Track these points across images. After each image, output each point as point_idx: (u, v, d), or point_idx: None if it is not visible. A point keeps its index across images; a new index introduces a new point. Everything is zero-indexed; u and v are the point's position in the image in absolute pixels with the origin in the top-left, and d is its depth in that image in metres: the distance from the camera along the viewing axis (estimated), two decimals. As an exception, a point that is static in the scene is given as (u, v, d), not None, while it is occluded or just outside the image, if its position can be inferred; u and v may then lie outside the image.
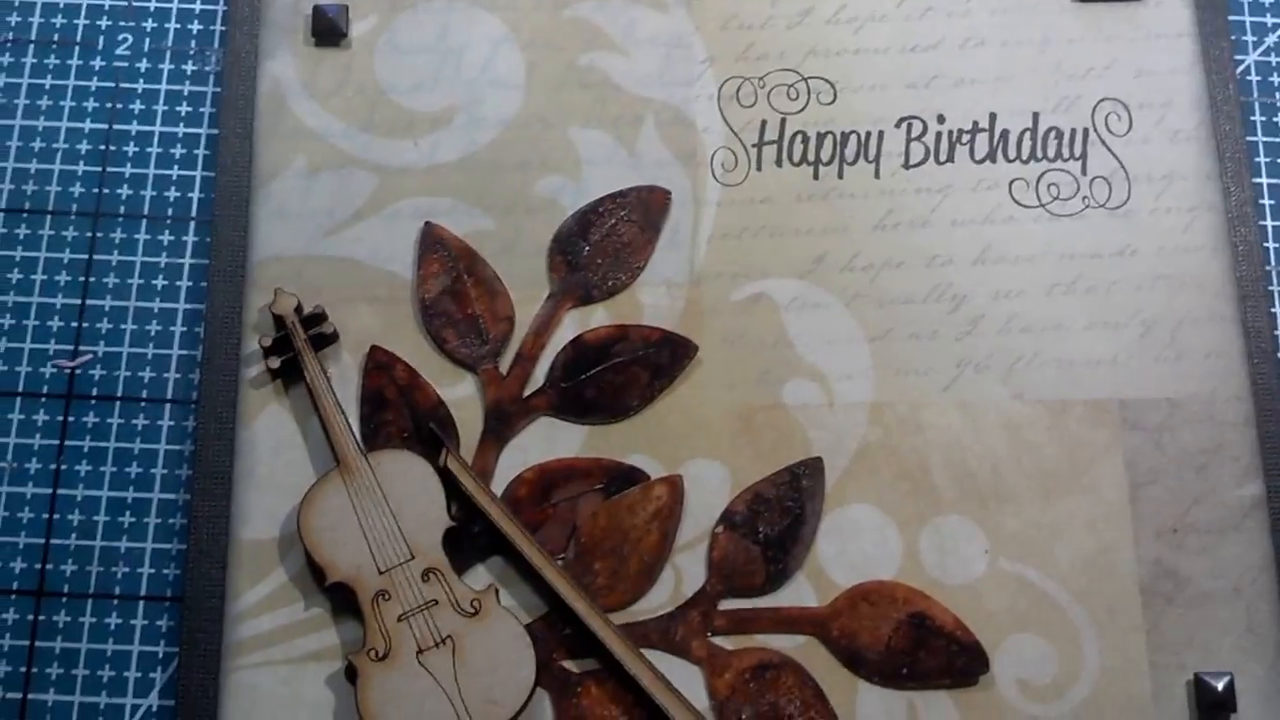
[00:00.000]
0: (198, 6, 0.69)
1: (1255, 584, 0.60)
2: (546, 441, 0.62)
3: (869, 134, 0.66)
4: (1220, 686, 0.59)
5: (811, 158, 0.65)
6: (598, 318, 0.63)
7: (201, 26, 0.69)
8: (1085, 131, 0.66)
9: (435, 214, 0.65)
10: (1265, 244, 0.65)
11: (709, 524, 0.61)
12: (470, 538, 0.61)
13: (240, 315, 0.63)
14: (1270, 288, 0.65)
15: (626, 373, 0.63)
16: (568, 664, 0.59)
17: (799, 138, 0.66)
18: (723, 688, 0.59)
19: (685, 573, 0.61)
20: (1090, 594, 0.60)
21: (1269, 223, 0.66)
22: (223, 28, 0.69)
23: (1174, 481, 0.61)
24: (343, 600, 0.60)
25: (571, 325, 0.63)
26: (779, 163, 0.65)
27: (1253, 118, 0.68)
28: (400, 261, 0.64)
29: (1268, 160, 0.67)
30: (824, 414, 0.62)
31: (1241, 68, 0.68)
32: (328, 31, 0.67)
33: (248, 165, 0.65)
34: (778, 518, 0.61)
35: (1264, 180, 0.67)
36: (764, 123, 0.66)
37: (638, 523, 0.61)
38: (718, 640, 0.60)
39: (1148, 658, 0.59)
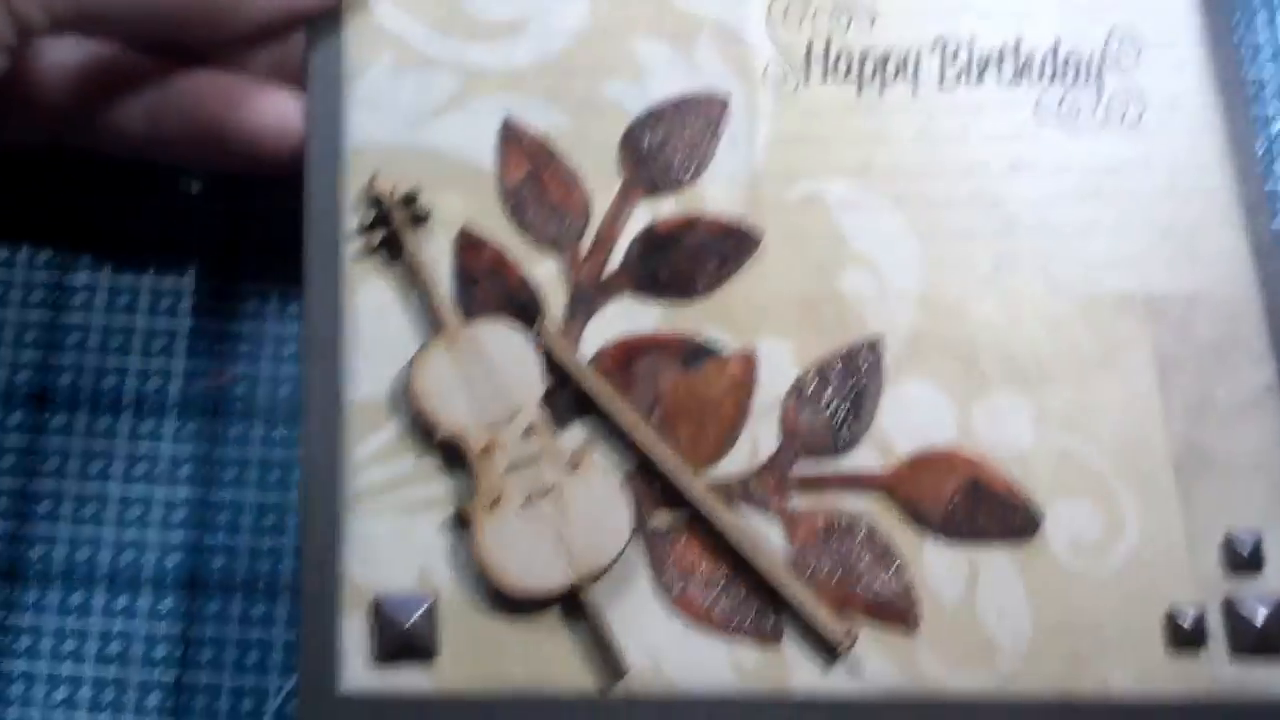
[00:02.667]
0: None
1: (1275, 456, 0.65)
2: (626, 319, 0.65)
3: (906, 56, 0.71)
4: (1249, 546, 0.64)
5: (855, 75, 0.70)
6: (667, 208, 0.67)
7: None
8: (1100, 57, 0.71)
9: (514, 110, 0.68)
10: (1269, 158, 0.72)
11: (780, 394, 0.65)
12: (563, 401, 0.64)
13: (338, 196, 0.66)
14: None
15: (696, 258, 0.66)
16: (658, 516, 0.63)
17: (843, 56, 0.71)
18: (799, 541, 0.63)
19: (760, 439, 0.64)
20: (1128, 466, 0.65)
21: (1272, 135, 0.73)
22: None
23: (1197, 368, 0.66)
24: (451, 455, 0.62)
25: (643, 213, 0.67)
26: (825, 79, 0.70)
27: (1249, 57, 0.75)
28: (482, 153, 0.67)
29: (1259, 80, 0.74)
30: (878, 301, 0.67)
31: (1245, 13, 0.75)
32: (406, -58, 0.70)
33: (337, 65, 0.68)
34: (843, 390, 0.65)
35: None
36: (810, 43, 0.71)
37: (715, 392, 0.65)
38: (793, 499, 0.63)
39: (1182, 522, 0.64)
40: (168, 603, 0.68)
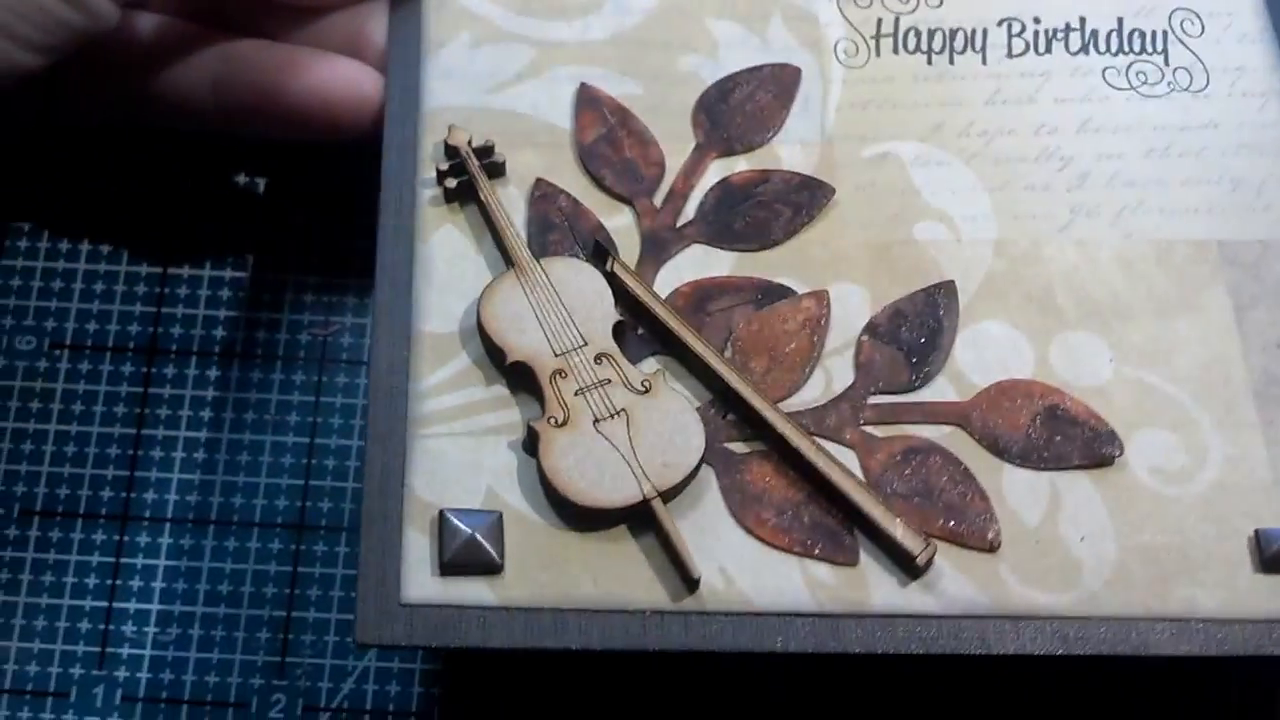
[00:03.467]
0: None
1: (1355, 388, 0.65)
2: (699, 265, 0.66)
3: (974, 31, 0.73)
4: (1333, 470, 0.63)
5: (925, 48, 0.72)
6: (740, 166, 0.69)
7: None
8: (1165, 33, 0.73)
9: (589, 80, 0.70)
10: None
11: (854, 335, 0.65)
12: (636, 337, 0.65)
13: (416, 150, 0.68)
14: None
15: (770, 209, 0.68)
16: (732, 445, 0.63)
17: (911, 32, 0.72)
18: (875, 466, 0.62)
19: (834, 374, 0.65)
20: (1208, 396, 0.65)
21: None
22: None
23: (1273, 306, 0.67)
24: (521, 379, 0.63)
25: (717, 172, 0.69)
26: (895, 51, 0.72)
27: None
28: (559, 114, 0.69)
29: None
30: (952, 248, 0.67)
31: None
32: (484, -73, 0.73)
33: (417, 39, 0.71)
34: (918, 328, 0.65)
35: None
36: (879, 20, 0.73)
37: (789, 329, 0.65)
38: (868, 429, 0.63)
39: (1265, 448, 0.64)
40: (276, 544, 0.71)
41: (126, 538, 0.71)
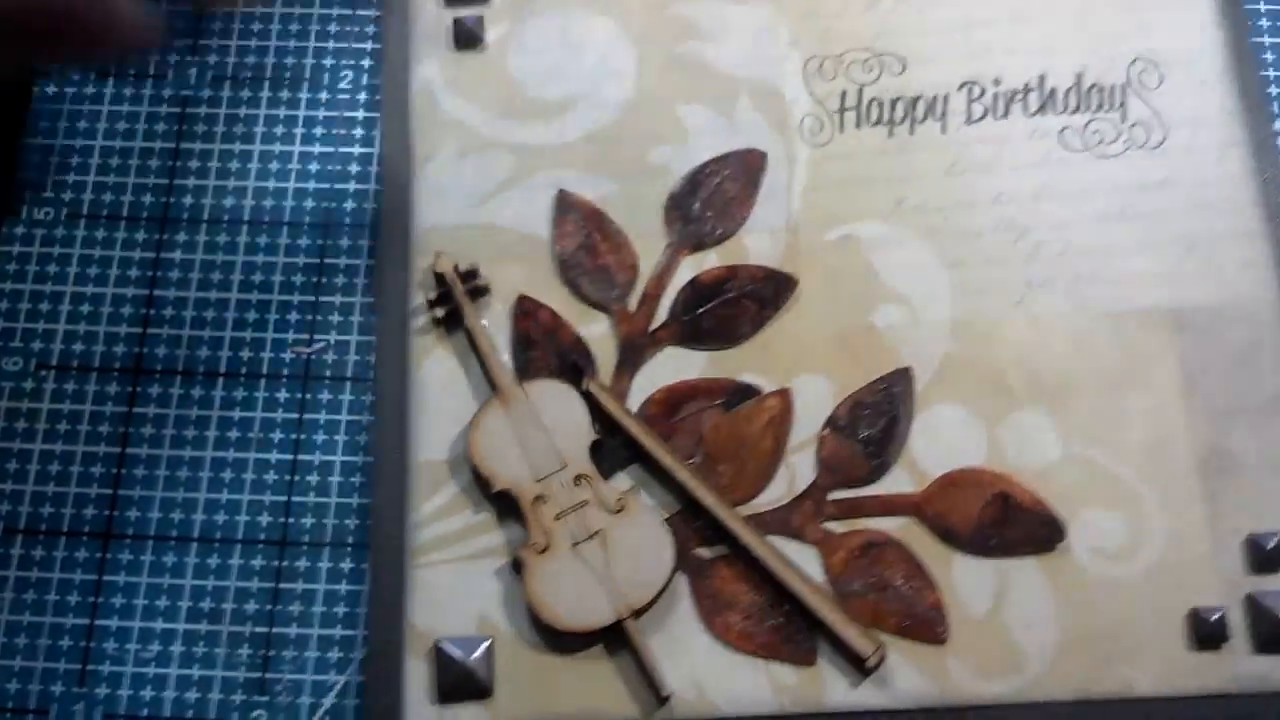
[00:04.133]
0: (354, 28, 0.81)
1: (1297, 457, 0.68)
2: (672, 368, 0.72)
3: (935, 98, 0.76)
4: (1270, 544, 0.67)
5: (886, 120, 0.75)
6: (710, 261, 0.73)
7: (358, 45, 0.81)
8: (1123, 86, 0.75)
9: (566, 184, 0.75)
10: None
11: (816, 429, 0.70)
12: (612, 449, 0.70)
13: (408, 277, 0.73)
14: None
15: (738, 306, 0.72)
16: (700, 551, 0.69)
17: (874, 104, 0.76)
18: (836, 565, 0.68)
19: (798, 470, 0.70)
20: (1153, 472, 0.69)
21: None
22: (374, 46, 0.80)
23: (1223, 374, 0.70)
24: (506, 506, 0.69)
25: (688, 269, 0.73)
26: (858, 125, 0.75)
27: (1264, 66, 0.78)
28: (539, 225, 0.74)
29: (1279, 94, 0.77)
30: (910, 332, 0.72)
31: (1256, 23, 0.78)
32: (468, 38, 0.78)
33: (408, 154, 0.76)
34: (876, 420, 0.70)
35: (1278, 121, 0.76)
36: (844, 92, 0.76)
37: (754, 430, 0.70)
38: (829, 525, 0.69)
39: (1207, 524, 0.68)
40: (258, 561, 0.72)
41: (109, 555, 0.72)
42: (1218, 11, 0.76)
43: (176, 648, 0.71)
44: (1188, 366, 0.70)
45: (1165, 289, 0.72)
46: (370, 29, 0.81)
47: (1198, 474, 0.69)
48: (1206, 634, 0.66)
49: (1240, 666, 0.66)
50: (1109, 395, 0.70)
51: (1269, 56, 0.78)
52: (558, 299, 0.73)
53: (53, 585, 0.72)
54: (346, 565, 0.71)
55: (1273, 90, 0.77)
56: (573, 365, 0.71)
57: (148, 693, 0.70)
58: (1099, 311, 0.72)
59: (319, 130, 0.79)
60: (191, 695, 0.70)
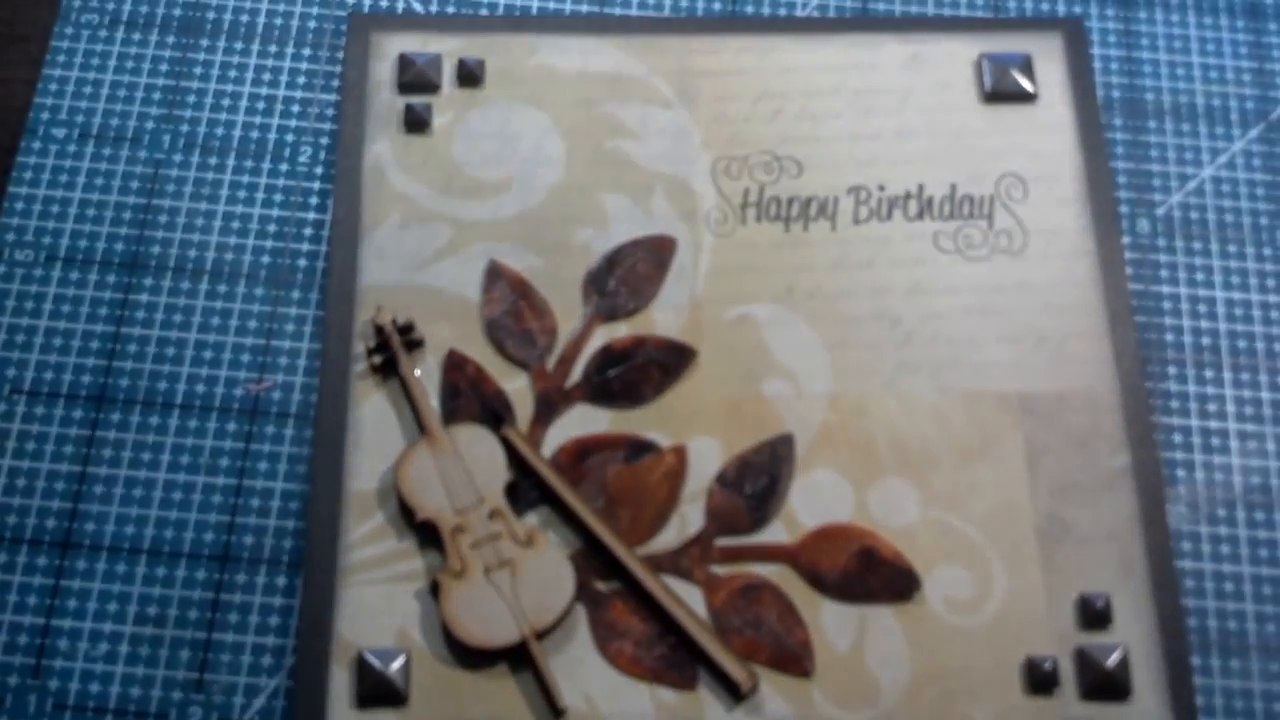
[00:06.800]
0: (315, 109, 0.88)
1: (1126, 530, 0.77)
2: (582, 422, 0.79)
3: (826, 199, 0.84)
4: (1100, 604, 0.75)
5: (783, 216, 0.84)
6: (621, 331, 0.81)
7: (318, 125, 0.88)
8: (991, 198, 0.84)
9: (498, 255, 0.82)
10: (1126, 277, 0.83)
11: (707, 482, 0.78)
12: (525, 490, 0.78)
13: (351, 327, 0.80)
14: (1133, 315, 0.83)
15: (643, 371, 0.80)
16: (598, 585, 0.76)
17: (773, 201, 0.84)
18: (717, 602, 0.75)
19: (689, 518, 0.77)
20: (998, 536, 0.77)
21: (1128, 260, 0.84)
22: (333, 126, 0.87)
23: (1062, 453, 0.78)
24: (427, 535, 0.76)
25: (601, 336, 0.80)
26: (759, 219, 0.83)
27: (1116, 187, 0.87)
28: (471, 290, 0.81)
29: (1127, 213, 0.86)
30: (794, 402, 0.79)
31: (1112, 150, 0.87)
32: (417, 123, 0.85)
33: (357, 221, 0.83)
34: (759, 478, 0.78)
35: (1125, 236, 0.85)
36: (746, 190, 0.84)
37: (652, 480, 0.78)
38: (714, 568, 0.76)
39: (1044, 583, 0.76)
40: (201, 573, 0.78)
41: (67, 563, 0.77)
42: (1078, 138, 0.85)
43: (124, 648, 0.76)
44: (1032, 445, 0.79)
45: (1017, 376, 0.80)
46: (330, 111, 0.88)
47: (1037, 539, 0.77)
48: (1039, 680, 0.74)
49: (1069, 710, 0.74)
50: (963, 467, 0.78)
51: (1121, 179, 0.86)
52: (484, 355, 0.80)
53: (14, 587, 0.77)
54: (281, 581, 0.77)
55: (1123, 209, 0.86)
56: (494, 414, 0.79)
57: (95, 687, 0.75)
58: (958, 393, 0.80)
59: (278, 196, 0.86)
60: (135, 691, 0.75)
